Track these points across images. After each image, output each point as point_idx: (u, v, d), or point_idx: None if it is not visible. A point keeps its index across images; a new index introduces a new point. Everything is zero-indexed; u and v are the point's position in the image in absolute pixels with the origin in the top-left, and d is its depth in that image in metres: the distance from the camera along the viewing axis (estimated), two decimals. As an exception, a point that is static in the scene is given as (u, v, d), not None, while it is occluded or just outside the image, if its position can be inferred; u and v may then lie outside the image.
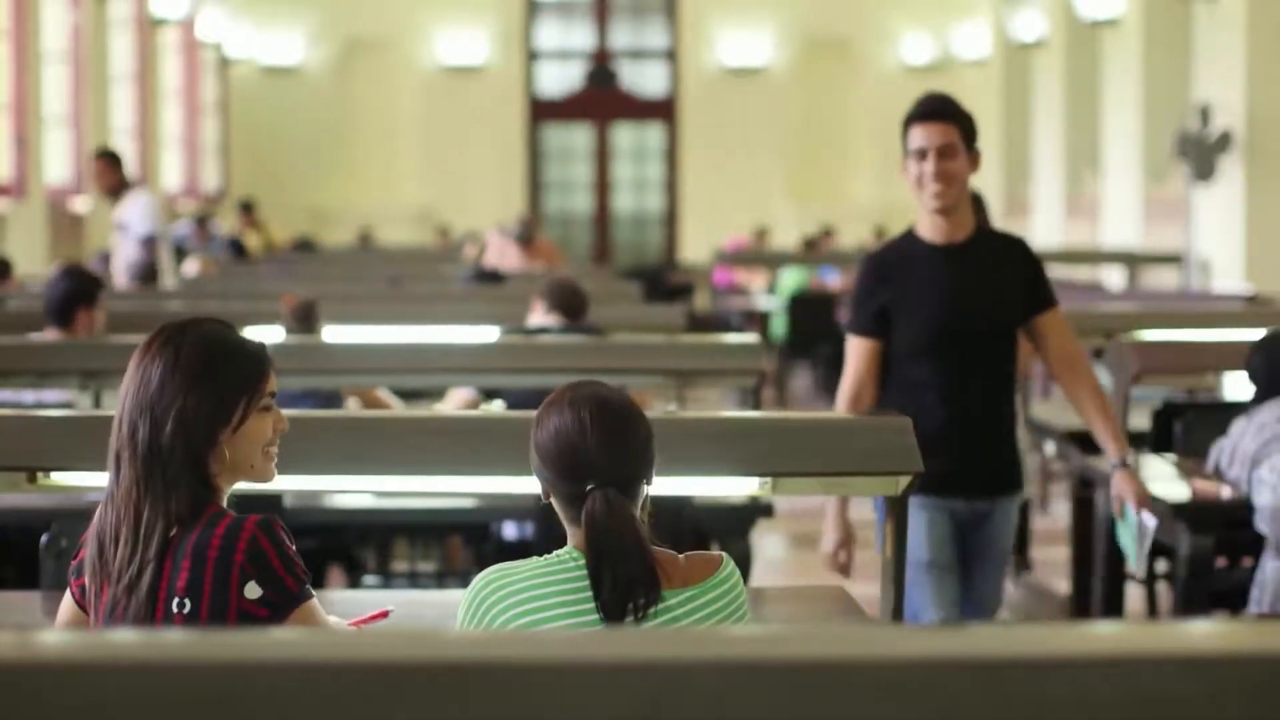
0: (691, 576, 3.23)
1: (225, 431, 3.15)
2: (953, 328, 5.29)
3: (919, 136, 5.24)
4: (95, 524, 3.17)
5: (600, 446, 3.18)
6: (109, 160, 12.67)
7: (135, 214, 12.32)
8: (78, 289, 7.11)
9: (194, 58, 22.61)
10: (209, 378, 3.15)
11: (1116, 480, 5.47)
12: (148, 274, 11.42)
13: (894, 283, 5.32)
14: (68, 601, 3.26)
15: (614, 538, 3.15)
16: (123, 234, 12.33)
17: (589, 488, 3.18)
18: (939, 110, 5.26)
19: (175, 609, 3.07)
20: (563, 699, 1.42)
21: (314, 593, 3.15)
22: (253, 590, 3.07)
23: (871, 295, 5.35)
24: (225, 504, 3.17)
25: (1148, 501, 5.48)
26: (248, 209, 19.93)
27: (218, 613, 3.06)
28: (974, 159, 5.33)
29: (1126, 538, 5.53)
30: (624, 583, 3.15)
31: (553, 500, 3.26)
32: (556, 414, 3.23)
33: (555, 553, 3.23)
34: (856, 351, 5.41)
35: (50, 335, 7.02)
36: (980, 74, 23.59)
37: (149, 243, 12.17)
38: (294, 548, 3.13)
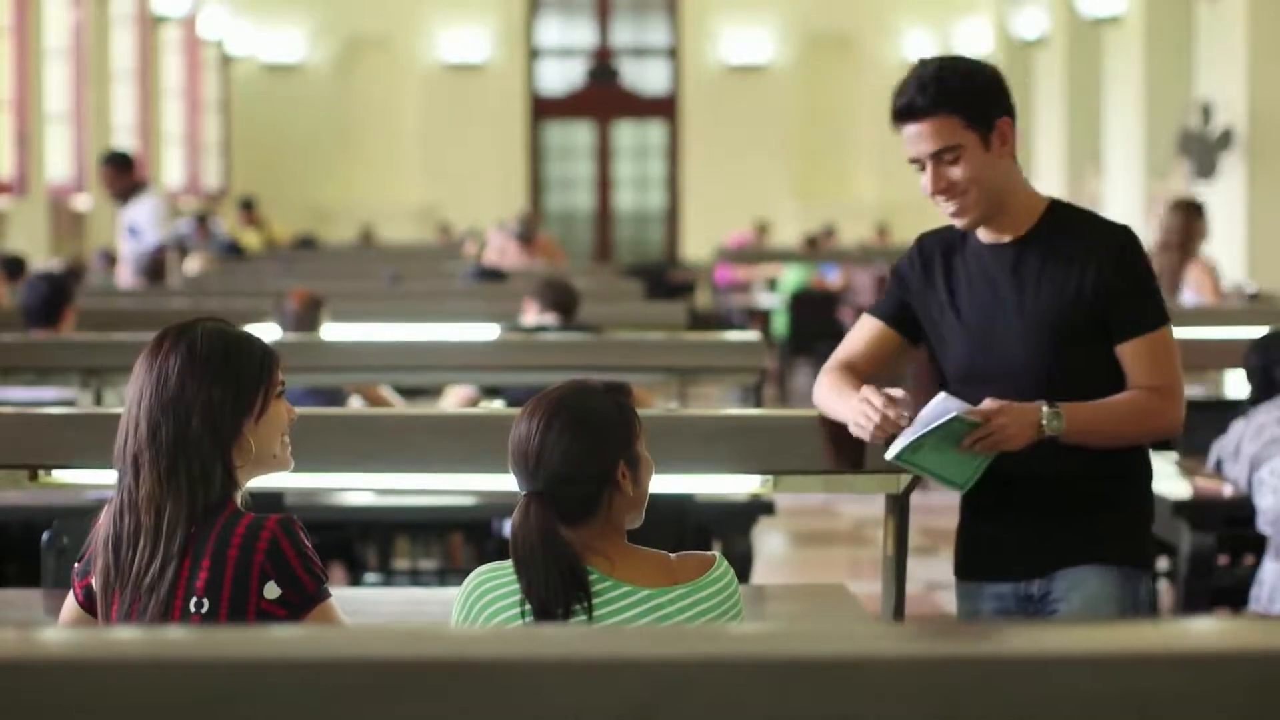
0: (681, 575, 3.24)
1: (249, 421, 3.18)
2: (989, 351, 3.86)
3: (906, 142, 3.80)
4: (106, 529, 3.17)
5: (538, 451, 3.21)
6: (118, 164, 12.55)
7: (146, 219, 12.24)
8: (60, 289, 7.21)
9: (195, 55, 22.61)
10: (228, 369, 3.18)
11: (1021, 410, 3.71)
12: (155, 269, 11.42)
13: (926, 278, 3.93)
14: (70, 604, 3.27)
15: (525, 548, 3.18)
16: (133, 237, 12.27)
17: (523, 491, 3.21)
18: (915, 103, 3.76)
19: (193, 609, 3.08)
20: (560, 696, 1.42)
21: (332, 592, 3.17)
22: (272, 590, 3.09)
23: (898, 280, 4.00)
24: (240, 501, 3.19)
25: (994, 441, 3.68)
26: (248, 206, 19.93)
27: (236, 612, 3.08)
28: (1000, 135, 3.77)
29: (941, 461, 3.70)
30: (537, 590, 3.17)
31: None
32: (520, 421, 3.27)
33: None
34: (855, 329, 4.04)
35: (38, 336, 7.05)
36: (982, 71, 23.56)
37: (158, 249, 12.13)
38: (312, 548, 3.15)
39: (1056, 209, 3.91)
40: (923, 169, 3.79)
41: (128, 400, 3.20)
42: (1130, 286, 3.81)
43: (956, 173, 3.75)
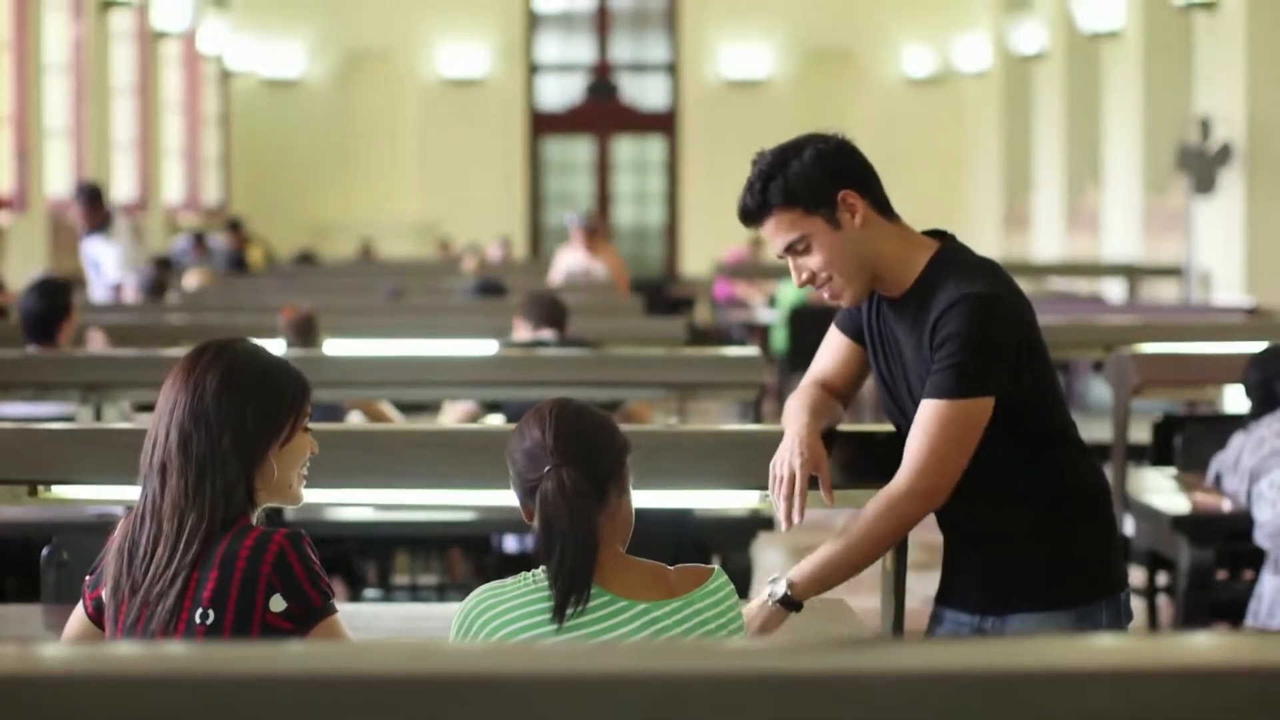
0: (678, 588, 3.23)
1: (275, 446, 3.22)
2: (896, 404, 3.83)
3: (767, 242, 3.80)
4: (122, 538, 3.20)
5: (557, 437, 3.20)
6: (91, 198, 12.26)
7: (110, 259, 12.06)
8: (57, 303, 7.13)
9: (195, 70, 22.62)
10: (264, 391, 3.22)
11: (760, 608, 3.68)
12: (155, 288, 11.39)
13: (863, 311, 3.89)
14: (79, 615, 3.29)
15: (563, 516, 3.16)
16: (96, 273, 12.14)
17: (545, 469, 3.19)
18: (750, 209, 3.75)
19: (198, 620, 3.11)
20: (558, 712, 1.42)
21: (337, 607, 3.18)
22: (277, 603, 3.11)
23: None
24: (255, 520, 3.21)
25: None
26: (235, 226, 19.54)
27: (241, 624, 3.10)
28: (847, 209, 3.68)
29: None
30: (567, 567, 3.15)
31: (523, 508, 3.27)
32: (522, 426, 3.27)
33: (544, 567, 3.23)
34: (825, 343, 3.99)
35: (32, 351, 7.02)
36: (981, 86, 23.60)
37: (117, 288, 11.99)
38: (319, 563, 3.17)
39: (932, 265, 3.73)
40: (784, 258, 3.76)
41: (158, 410, 3.23)
42: (937, 350, 3.63)
43: (813, 262, 3.69)
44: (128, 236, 12.68)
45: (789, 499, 3.67)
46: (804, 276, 3.71)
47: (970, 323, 3.61)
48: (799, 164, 3.69)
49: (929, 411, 3.62)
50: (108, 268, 12.02)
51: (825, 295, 3.74)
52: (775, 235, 3.70)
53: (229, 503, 3.16)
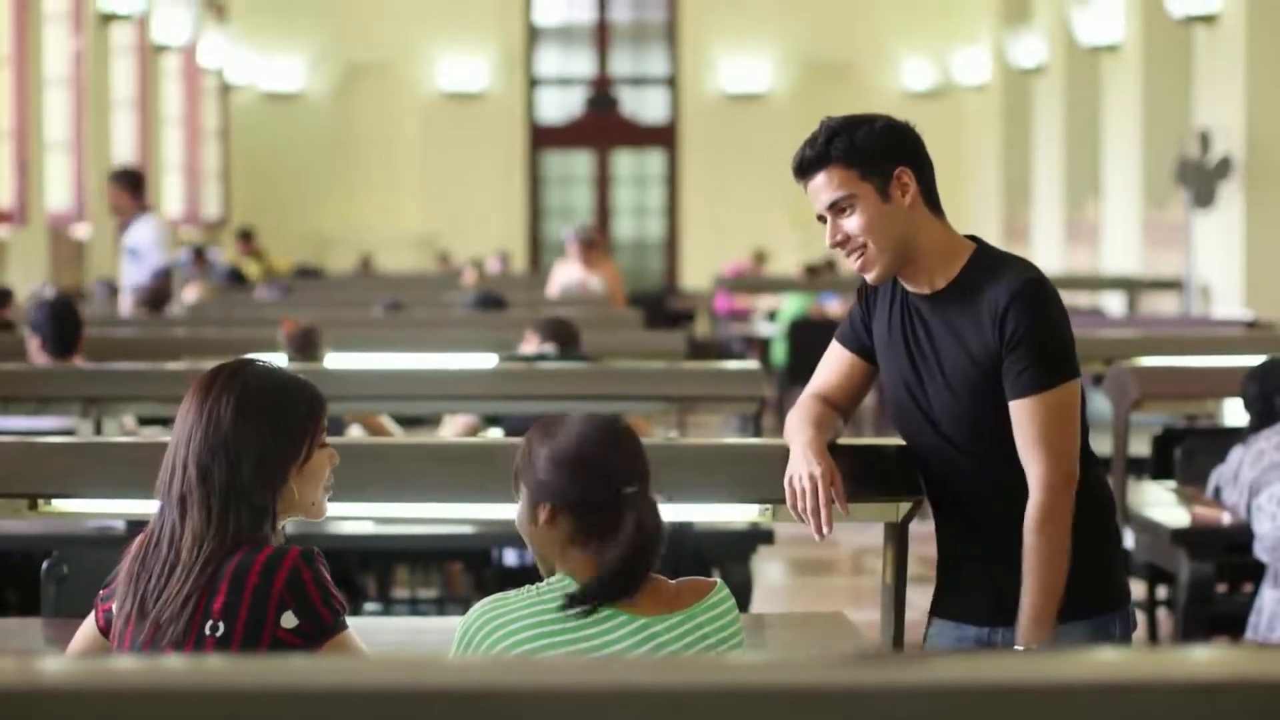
0: (679, 602, 3.23)
1: (294, 468, 3.22)
2: (919, 403, 3.79)
3: (810, 199, 3.80)
4: (138, 563, 3.19)
5: (628, 456, 3.21)
6: (129, 181, 12.01)
7: (149, 242, 11.85)
8: (75, 318, 7.11)
9: (195, 84, 22.64)
10: (280, 415, 3.21)
11: None
12: (155, 300, 11.37)
13: (874, 314, 3.88)
14: (89, 626, 3.30)
15: (656, 541, 3.20)
16: (134, 260, 11.94)
17: (629, 490, 3.19)
18: (808, 158, 3.76)
19: (208, 632, 3.12)
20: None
21: (349, 624, 3.19)
22: (289, 620, 3.12)
23: (861, 303, 3.92)
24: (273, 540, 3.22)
25: None
26: (247, 237, 19.82)
27: (251, 638, 3.11)
28: (899, 185, 3.71)
29: None
30: (640, 564, 3.19)
31: (561, 518, 3.21)
32: (564, 428, 3.24)
33: (546, 581, 3.22)
34: (826, 357, 3.98)
35: (45, 363, 7.01)
36: (981, 99, 23.61)
37: (163, 273, 11.87)
38: (332, 580, 3.17)
39: (975, 259, 3.76)
40: (824, 222, 3.77)
41: (174, 437, 3.22)
42: (1012, 345, 3.66)
43: (852, 224, 3.70)
44: (162, 220, 12.47)
45: (816, 511, 3.67)
46: (838, 238, 3.73)
47: (1038, 311, 3.67)
48: (868, 130, 3.72)
49: (1028, 410, 3.64)
50: (148, 251, 11.75)
51: (854, 264, 3.74)
52: (823, 190, 3.72)
53: (254, 530, 3.17)
